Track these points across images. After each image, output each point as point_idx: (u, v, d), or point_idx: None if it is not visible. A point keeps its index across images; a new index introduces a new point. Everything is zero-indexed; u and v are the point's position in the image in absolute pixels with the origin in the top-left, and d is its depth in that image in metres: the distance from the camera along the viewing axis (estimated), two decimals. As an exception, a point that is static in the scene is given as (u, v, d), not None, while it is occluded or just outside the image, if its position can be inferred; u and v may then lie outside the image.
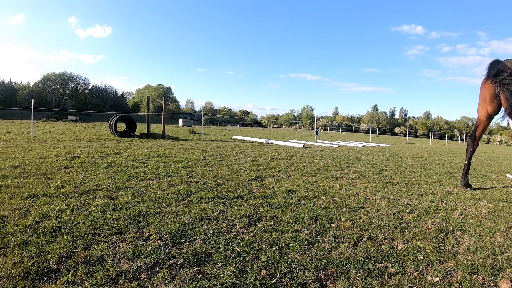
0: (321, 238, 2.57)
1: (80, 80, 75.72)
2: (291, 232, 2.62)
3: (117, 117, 12.09)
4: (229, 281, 1.86)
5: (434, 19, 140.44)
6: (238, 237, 2.50)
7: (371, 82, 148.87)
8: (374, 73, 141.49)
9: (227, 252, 2.22)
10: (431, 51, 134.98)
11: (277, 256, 2.19)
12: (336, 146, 12.53)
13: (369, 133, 30.14)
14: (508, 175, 6.48)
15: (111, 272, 1.87)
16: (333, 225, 2.87)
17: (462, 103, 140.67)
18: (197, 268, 1.99)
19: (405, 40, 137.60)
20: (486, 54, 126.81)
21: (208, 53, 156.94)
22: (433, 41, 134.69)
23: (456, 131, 76.65)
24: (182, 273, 1.92)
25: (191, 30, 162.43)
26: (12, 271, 1.82)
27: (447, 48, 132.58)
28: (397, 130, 75.45)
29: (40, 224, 2.51)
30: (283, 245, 2.38)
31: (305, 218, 2.99)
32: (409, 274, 2.06)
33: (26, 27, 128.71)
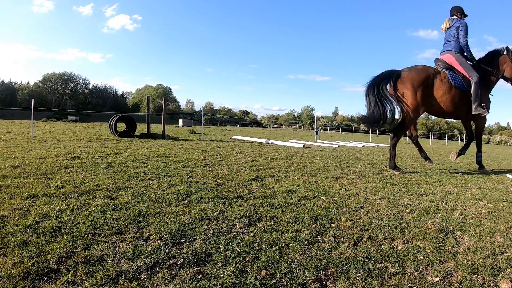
0: (321, 238, 2.57)
1: (80, 80, 75.89)
2: (291, 232, 2.62)
3: (117, 117, 12.08)
4: (229, 281, 1.86)
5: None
6: (238, 237, 2.50)
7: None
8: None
9: (227, 252, 2.22)
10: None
11: (277, 256, 2.19)
12: (336, 146, 12.52)
13: (369, 133, 30.15)
14: (508, 175, 6.48)
15: (111, 272, 1.87)
16: (333, 225, 2.87)
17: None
18: (197, 268, 1.99)
19: (420, 44, 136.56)
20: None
21: (217, 53, 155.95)
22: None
23: (456, 131, 76.53)
24: (182, 273, 1.92)
25: (200, 29, 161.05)
26: (12, 271, 1.82)
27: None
28: (397, 130, 75.21)
29: (40, 224, 2.51)
30: (283, 245, 2.38)
31: (305, 218, 2.99)
32: (409, 274, 2.06)
33: (34, 24, 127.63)
